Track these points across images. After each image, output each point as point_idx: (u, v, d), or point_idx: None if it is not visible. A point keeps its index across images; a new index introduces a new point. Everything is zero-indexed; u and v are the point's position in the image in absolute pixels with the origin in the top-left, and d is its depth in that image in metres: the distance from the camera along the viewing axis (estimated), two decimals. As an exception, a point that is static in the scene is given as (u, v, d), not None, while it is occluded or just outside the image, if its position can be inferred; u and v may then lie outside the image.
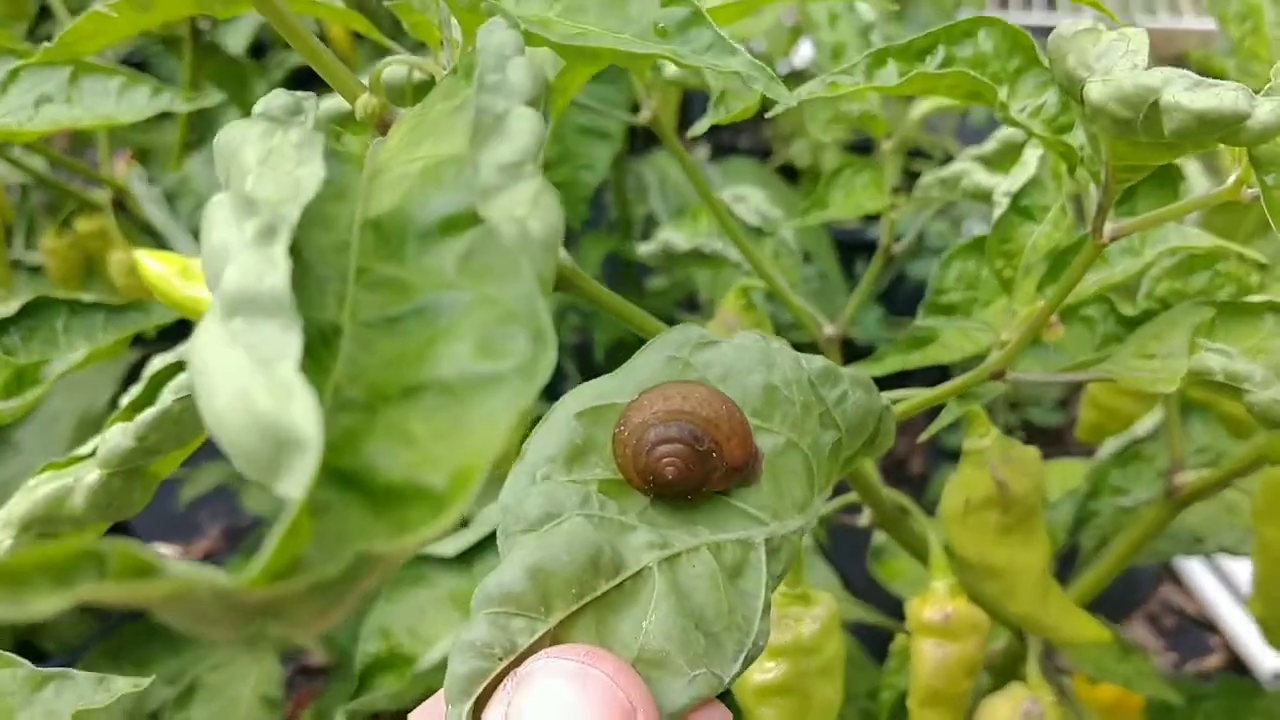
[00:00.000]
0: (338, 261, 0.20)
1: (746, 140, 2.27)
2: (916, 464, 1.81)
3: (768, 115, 0.40)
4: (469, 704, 0.28)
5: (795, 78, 2.04)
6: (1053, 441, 1.70)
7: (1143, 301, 0.50)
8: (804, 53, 2.39)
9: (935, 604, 0.58)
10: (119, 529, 1.62)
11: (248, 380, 0.15)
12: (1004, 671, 0.76)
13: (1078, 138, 0.35)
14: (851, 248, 1.78)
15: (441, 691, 0.31)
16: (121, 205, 1.20)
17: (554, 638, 0.29)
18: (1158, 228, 0.44)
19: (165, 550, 1.95)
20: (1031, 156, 0.45)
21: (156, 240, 1.17)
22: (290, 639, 0.14)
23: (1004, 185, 0.45)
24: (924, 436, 0.48)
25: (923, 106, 0.65)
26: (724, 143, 2.25)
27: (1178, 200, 0.50)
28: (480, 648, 0.28)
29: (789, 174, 1.94)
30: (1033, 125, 0.35)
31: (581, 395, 0.34)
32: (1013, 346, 0.43)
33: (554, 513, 0.31)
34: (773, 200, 0.77)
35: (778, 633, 0.49)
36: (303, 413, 0.14)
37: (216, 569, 0.13)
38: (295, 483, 0.14)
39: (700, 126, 0.47)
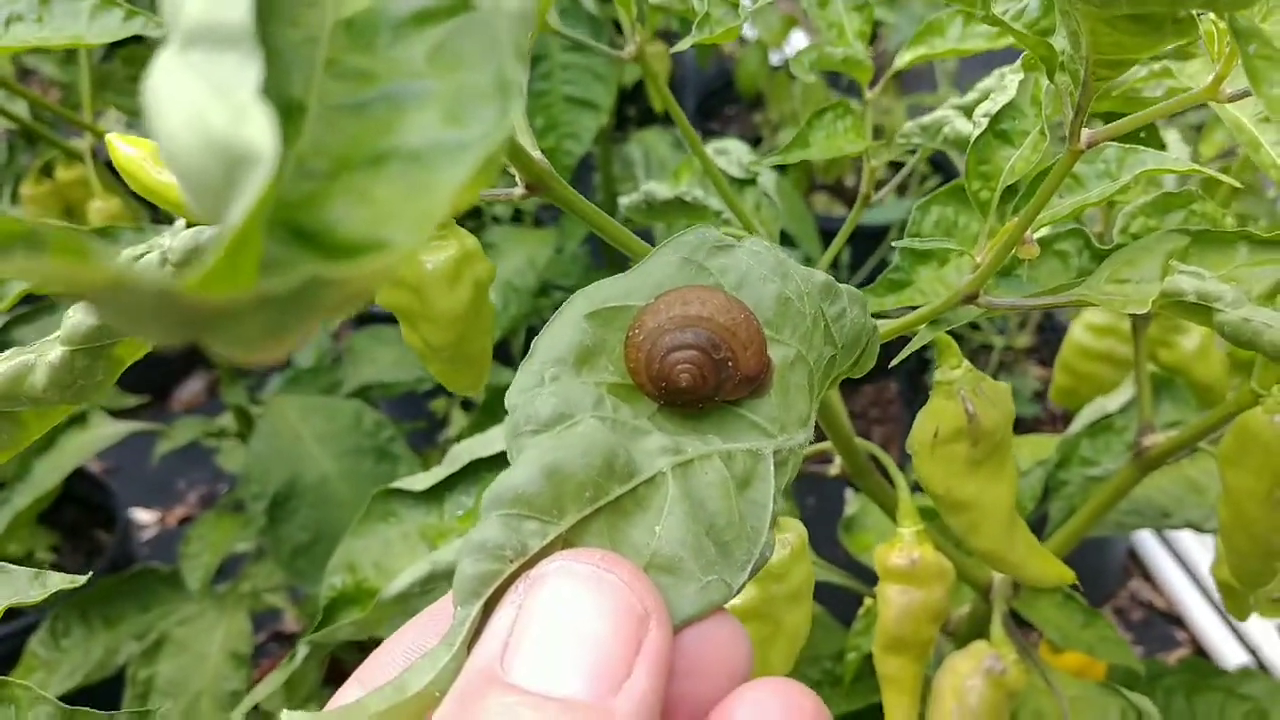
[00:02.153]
0: (306, 53, 0.19)
1: (736, 129, 2.28)
2: (892, 455, 1.82)
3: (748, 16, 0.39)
4: (479, 605, 0.27)
5: (788, 66, 2.05)
6: (1029, 433, 1.70)
7: (1118, 237, 0.50)
8: (796, 42, 2.40)
9: (902, 550, 0.59)
10: (98, 491, 1.61)
11: (204, 105, 0.14)
12: (968, 637, 0.77)
13: (1059, 42, 0.35)
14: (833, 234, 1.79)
15: (446, 596, 0.30)
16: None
17: (566, 542, 0.29)
18: (1135, 152, 0.44)
19: (144, 515, 1.94)
20: (1012, 81, 0.45)
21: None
22: (235, 356, 0.14)
23: (983, 107, 0.45)
24: (895, 361, 0.48)
25: (906, 57, 0.65)
26: (713, 130, 2.26)
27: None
28: (491, 549, 0.28)
29: (776, 159, 1.94)
30: (1015, 27, 0.35)
31: (592, 296, 0.33)
32: (986, 266, 0.43)
33: (568, 413, 0.30)
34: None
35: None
36: (258, 130, 0.14)
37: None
38: (247, 196, 0.14)
39: (684, 44, 0.47)
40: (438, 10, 0.19)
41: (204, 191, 0.14)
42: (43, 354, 0.36)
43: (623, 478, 0.30)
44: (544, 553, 0.28)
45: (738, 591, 0.30)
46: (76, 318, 0.36)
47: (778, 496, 0.32)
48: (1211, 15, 0.33)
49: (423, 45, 0.19)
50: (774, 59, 2.09)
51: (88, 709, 0.49)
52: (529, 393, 0.31)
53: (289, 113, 0.18)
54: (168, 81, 0.15)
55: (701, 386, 0.31)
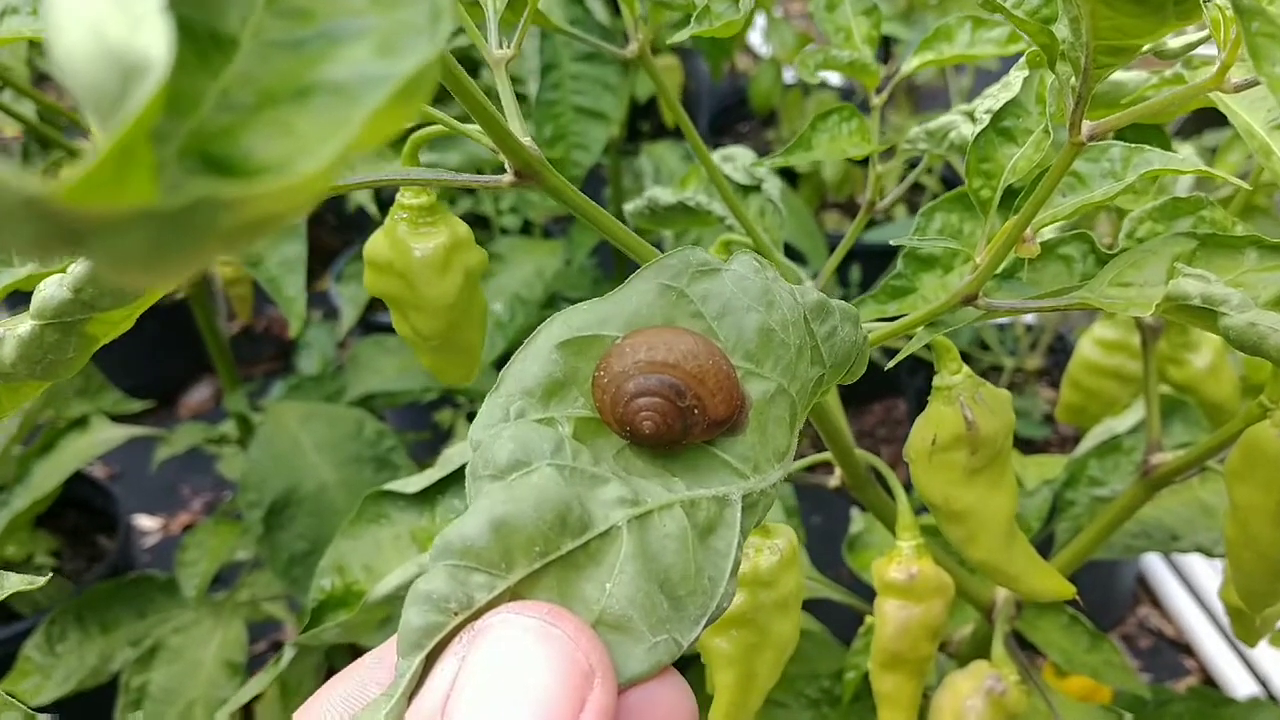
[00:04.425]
0: (245, -8, 0.18)
1: (748, 145, 2.27)
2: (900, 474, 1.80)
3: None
4: (421, 656, 0.27)
5: (801, 84, 2.04)
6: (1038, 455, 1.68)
7: (1124, 242, 0.49)
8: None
9: (900, 563, 0.57)
10: (100, 496, 1.60)
11: (103, 15, 0.13)
12: (970, 659, 0.75)
13: (1061, 31, 0.34)
14: (849, 253, 1.80)
15: (390, 641, 0.30)
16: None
17: (514, 595, 0.28)
18: (1140, 151, 0.43)
19: (147, 522, 1.93)
20: (1016, 79, 0.44)
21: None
22: (120, 279, 0.12)
23: (985, 104, 0.44)
24: (893, 363, 0.47)
25: (914, 62, 0.64)
26: (724, 145, 2.26)
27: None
28: (436, 601, 0.27)
29: (788, 177, 1.94)
30: (1016, 14, 0.34)
31: (567, 322, 0.32)
32: (986, 265, 0.41)
33: (524, 460, 0.29)
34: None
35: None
36: (152, 38, 0.13)
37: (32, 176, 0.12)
38: (134, 101, 0.13)
39: (683, 34, 0.46)
40: (381, -52, 0.18)
41: (100, 103, 0.13)
42: (11, 328, 0.36)
43: (575, 532, 0.29)
44: (491, 605, 0.28)
45: (687, 647, 0.30)
46: (47, 291, 0.35)
47: (742, 542, 0.32)
48: None
49: (365, -16, 0.18)
50: (787, 76, 2.08)
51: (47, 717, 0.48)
52: (493, 429, 0.30)
53: (219, 46, 0.17)
54: (68, -6, 0.14)
55: (666, 433, 0.31)
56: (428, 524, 0.65)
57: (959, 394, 0.47)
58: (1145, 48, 0.32)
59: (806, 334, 0.34)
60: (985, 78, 1.67)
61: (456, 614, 0.27)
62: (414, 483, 0.66)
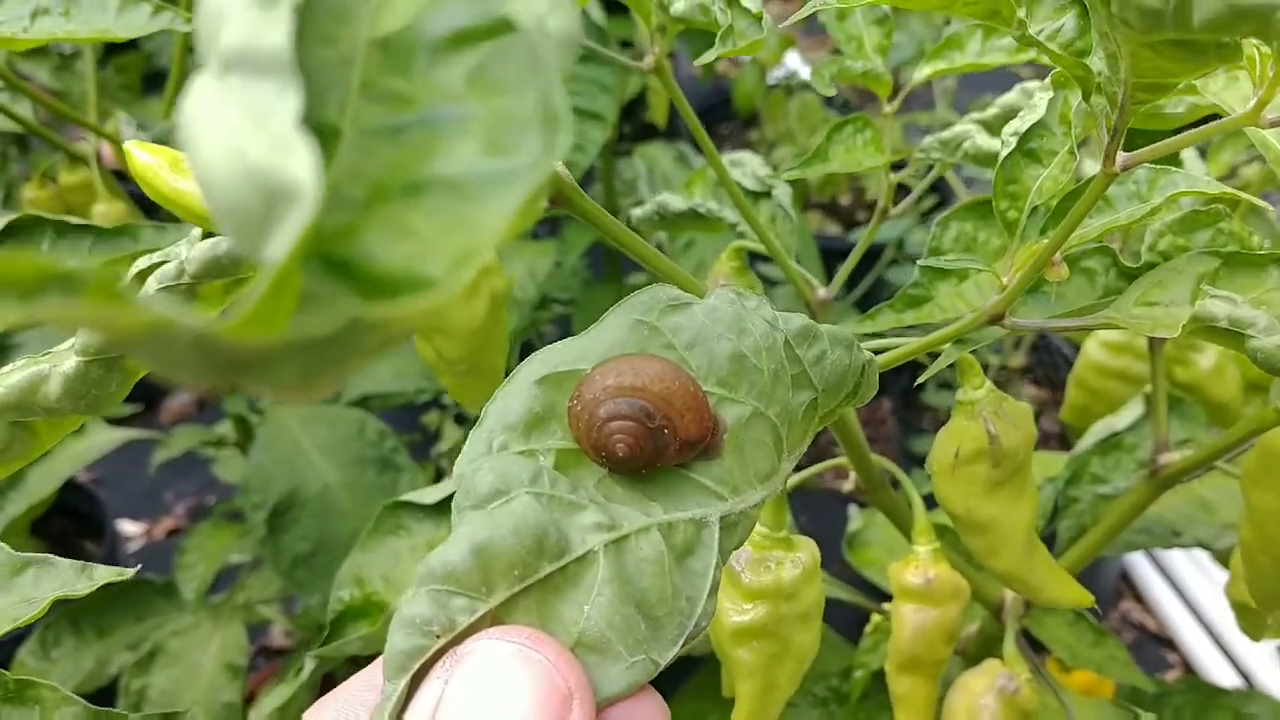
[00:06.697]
0: (341, 75, 0.18)
1: (730, 146, 2.27)
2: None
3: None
4: (405, 679, 0.28)
5: (784, 85, 2.04)
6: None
7: (1146, 255, 0.49)
8: (790, 63, 2.40)
9: (917, 568, 0.58)
10: (86, 501, 1.59)
11: (242, 134, 0.14)
12: (979, 656, 0.76)
13: (1095, 64, 0.34)
14: (836, 254, 1.80)
15: (376, 663, 0.31)
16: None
17: (494, 618, 0.29)
18: (1166, 174, 0.43)
19: (131, 527, 1.92)
20: (1041, 99, 0.45)
21: (142, 195, 1.15)
22: (270, 396, 0.13)
23: (1012, 125, 0.44)
24: (921, 379, 0.47)
25: (926, 70, 0.64)
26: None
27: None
28: (420, 624, 0.28)
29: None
30: (1050, 47, 0.34)
31: (545, 360, 0.33)
32: (1014, 287, 0.42)
33: (503, 490, 0.30)
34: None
35: (757, 574, 0.48)
36: (299, 162, 0.13)
37: (197, 314, 0.12)
38: (288, 233, 0.13)
39: (707, 57, 0.46)
40: (477, 31, 0.18)
41: (242, 224, 0.14)
42: (57, 364, 0.36)
43: (553, 556, 0.30)
44: (473, 629, 0.29)
45: (664, 666, 0.31)
46: (86, 333, 0.35)
47: (720, 563, 0.33)
48: (1254, 39, 0.32)
49: (462, 68, 0.18)
50: (770, 78, 2.09)
51: (116, 710, 0.48)
52: (476, 462, 0.31)
53: (323, 137, 0.17)
54: (205, 109, 0.14)
55: (639, 455, 0.32)
56: (446, 535, 0.65)
57: (982, 409, 0.48)
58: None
59: (786, 359, 0.35)
60: (971, 78, 1.67)
61: (439, 637, 0.28)
62: (431, 493, 0.66)
